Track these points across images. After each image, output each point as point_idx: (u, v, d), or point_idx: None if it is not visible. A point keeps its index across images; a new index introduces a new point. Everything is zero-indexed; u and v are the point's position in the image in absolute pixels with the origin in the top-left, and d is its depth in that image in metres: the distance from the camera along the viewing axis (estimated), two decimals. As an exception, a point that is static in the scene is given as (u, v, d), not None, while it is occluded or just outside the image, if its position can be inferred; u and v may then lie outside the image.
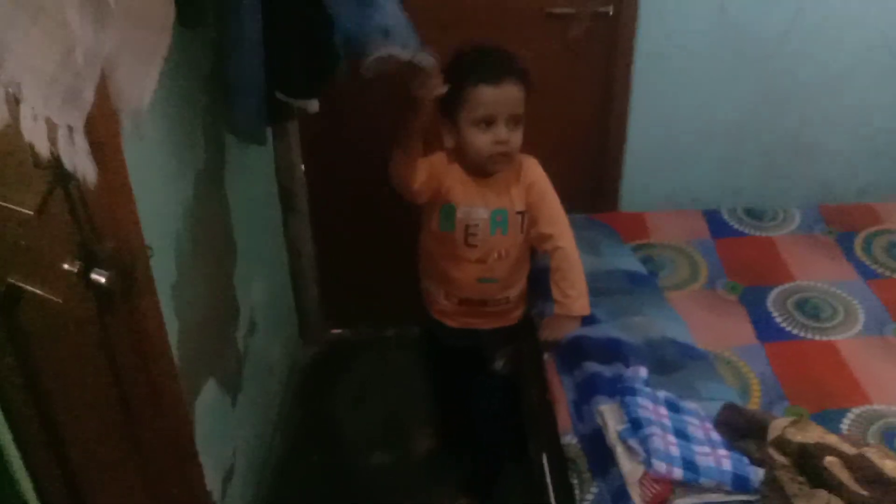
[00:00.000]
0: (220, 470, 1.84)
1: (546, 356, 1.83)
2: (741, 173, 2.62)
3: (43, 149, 0.92)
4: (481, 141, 1.70)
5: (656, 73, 2.41)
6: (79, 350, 1.28)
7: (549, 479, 1.55)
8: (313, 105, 1.82)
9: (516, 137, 1.73)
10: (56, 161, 1.02)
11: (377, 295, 2.72)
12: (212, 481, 1.73)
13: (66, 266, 1.13)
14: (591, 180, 2.62)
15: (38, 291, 1.26)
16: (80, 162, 0.96)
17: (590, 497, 1.45)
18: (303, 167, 2.52)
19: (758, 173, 2.62)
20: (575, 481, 1.50)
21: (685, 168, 2.60)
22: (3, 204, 1.19)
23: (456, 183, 1.78)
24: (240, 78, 1.54)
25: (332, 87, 1.84)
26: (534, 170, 1.84)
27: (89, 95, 0.95)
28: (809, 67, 2.43)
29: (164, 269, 1.44)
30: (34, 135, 0.90)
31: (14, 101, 0.90)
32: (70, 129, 0.94)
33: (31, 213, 1.16)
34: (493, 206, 1.79)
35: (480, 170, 1.77)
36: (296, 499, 2.25)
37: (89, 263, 1.12)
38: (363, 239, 2.58)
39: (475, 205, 1.79)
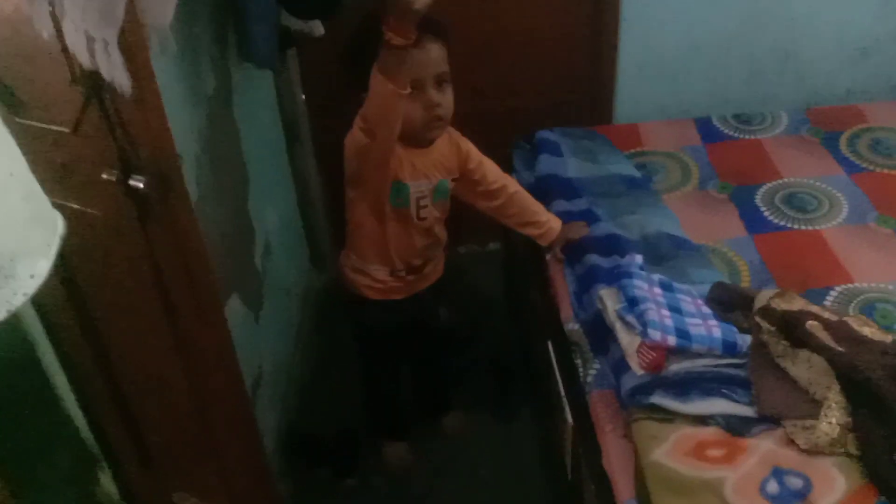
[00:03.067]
0: (250, 376, 1.95)
1: (548, 256, 1.95)
2: (729, 83, 2.68)
3: (84, 59, 1.01)
4: (413, 109, 1.60)
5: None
6: (120, 259, 1.39)
7: (555, 364, 1.67)
8: (318, 28, 1.90)
9: (447, 99, 1.65)
10: (91, 76, 1.12)
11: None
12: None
13: (104, 176, 1.23)
14: (585, 96, 2.69)
15: (77, 207, 1.37)
16: (117, 73, 1.06)
17: (592, 372, 1.58)
18: (303, 97, 2.59)
19: (745, 82, 2.68)
20: (578, 361, 1.63)
21: (675, 81, 2.66)
22: (40, 125, 1.29)
23: (401, 161, 1.69)
24: (255, 3, 1.61)
25: (337, 13, 1.90)
26: (463, 139, 1.81)
27: (121, 12, 1.04)
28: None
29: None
30: (76, 46, 1.00)
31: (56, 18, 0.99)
32: (105, 42, 1.04)
33: (67, 130, 1.26)
34: (437, 177, 1.76)
35: (418, 142, 1.70)
36: (319, 413, 2.39)
37: (126, 171, 1.22)
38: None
39: (420, 179, 1.73)
